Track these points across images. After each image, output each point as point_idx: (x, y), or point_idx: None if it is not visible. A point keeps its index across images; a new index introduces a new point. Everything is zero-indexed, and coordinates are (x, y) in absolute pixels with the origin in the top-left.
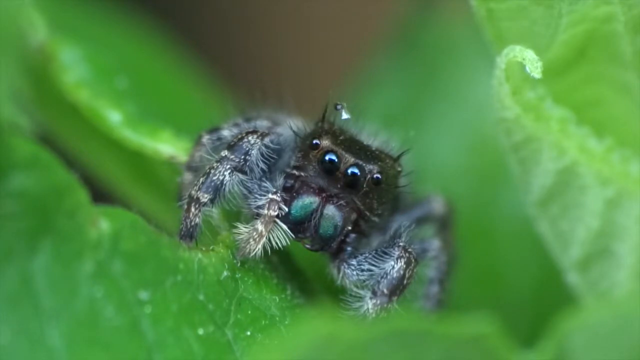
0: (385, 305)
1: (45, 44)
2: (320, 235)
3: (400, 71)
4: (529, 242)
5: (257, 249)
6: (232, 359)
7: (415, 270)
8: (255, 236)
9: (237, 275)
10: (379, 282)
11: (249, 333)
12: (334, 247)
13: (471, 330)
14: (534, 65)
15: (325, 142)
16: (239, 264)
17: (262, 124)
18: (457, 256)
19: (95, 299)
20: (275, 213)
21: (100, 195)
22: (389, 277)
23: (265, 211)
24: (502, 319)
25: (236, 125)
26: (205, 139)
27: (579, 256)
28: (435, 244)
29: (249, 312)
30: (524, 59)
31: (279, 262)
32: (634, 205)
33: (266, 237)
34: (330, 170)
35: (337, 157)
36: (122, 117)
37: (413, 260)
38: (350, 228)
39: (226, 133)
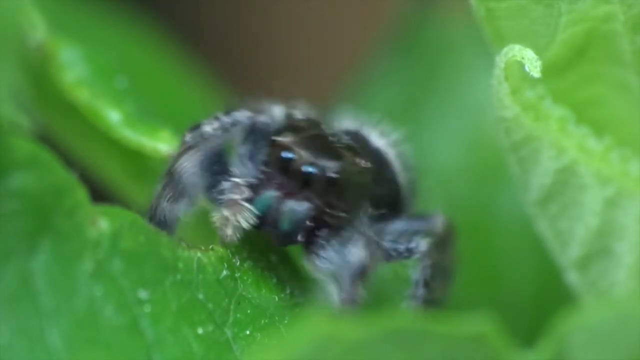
0: (348, 293)
1: (44, 43)
2: (279, 231)
3: (400, 70)
4: (528, 241)
5: (230, 234)
6: (232, 358)
7: (376, 255)
8: (224, 221)
9: (236, 275)
10: (339, 269)
11: (248, 332)
12: (300, 240)
13: (470, 330)
14: (533, 65)
15: (282, 140)
16: (238, 263)
17: (243, 114)
18: (454, 272)
19: (95, 298)
20: (238, 197)
21: (100, 194)
22: (346, 262)
23: (229, 195)
24: (501, 318)
25: (216, 119)
26: (188, 137)
27: (578, 255)
28: (422, 245)
29: (249, 311)
30: (523, 58)
31: (278, 261)
32: (633, 205)
33: (235, 221)
34: (285, 167)
35: (293, 155)
36: (121, 117)
37: (372, 245)
38: (312, 223)
39: (207, 128)
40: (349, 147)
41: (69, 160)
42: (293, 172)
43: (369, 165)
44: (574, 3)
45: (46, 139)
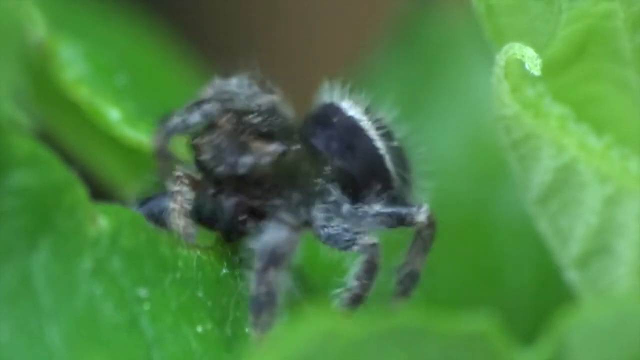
0: (261, 275)
1: (44, 41)
2: (219, 228)
3: (399, 67)
4: (528, 239)
5: (180, 223)
6: (231, 357)
7: (294, 238)
8: (172, 214)
9: (236, 273)
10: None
11: (247, 330)
12: (234, 230)
13: (470, 328)
14: (533, 63)
15: (195, 142)
16: (238, 261)
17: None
18: (420, 277)
19: (95, 297)
20: (179, 188)
21: (100, 192)
22: (262, 245)
23: (172, 187)
24: (501, 316)
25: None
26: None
27: (578, 253)
28: (365, 240)
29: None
30: (523, 56)
31: None
32: (633, 203)
33: (182, 213)
34: (202, 169)
35: (203, 156)
36: (121, 115)
37: (289, 228)
38: (245, 216)
39: (176, 120)
40: (268, 134)
41: (68, 158)
42: (208, 172)
43: (282, 149)
44: (574, 0)
45: (46, 137)
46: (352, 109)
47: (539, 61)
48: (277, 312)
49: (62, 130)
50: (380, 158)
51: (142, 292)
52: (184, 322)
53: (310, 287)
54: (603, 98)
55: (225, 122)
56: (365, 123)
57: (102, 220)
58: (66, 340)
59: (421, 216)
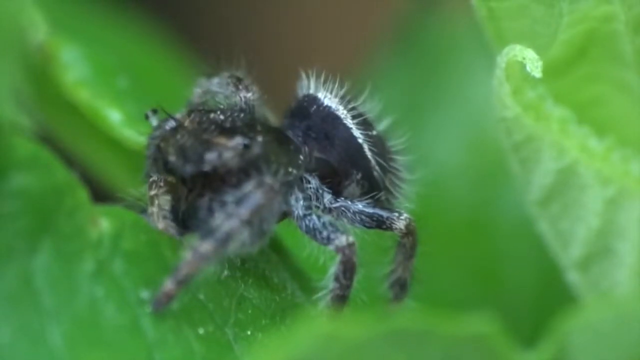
0: (201, 253)
1: (45, 43)
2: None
3: (401, 70)
4: (529, 242)
5: (160, 226)
6: (233, 358)
7: (238, 226)
8: (151, 218)
9: (237, 275)
10: None
11: (249, 332)
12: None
13: (471, 330)
14: (534, 65)
15: (160, 144)
16: (239, 264)
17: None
18: (409, 284)
19: (96, 298)
20: (155, 192)
21: (101, 194)
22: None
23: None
24: (503, 318)
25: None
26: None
27: (579, 255)
28: (341, 240)
29: (250, 311)
30: (524, 59)
31: (279, 261)
32: (634, 205)
33: (161, 215)
34: (171, 169)
35: (168, 158)
36: (122, 117)
37: (235, 217)
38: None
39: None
40: (232, 130)
41: (70, 160)
42: (177, 173)
43: (244, 142)
44: (575, 3)
45: (47, 139)
46: (328, 98)
47: (540, 63)
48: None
49: (63, 132)
50: (358, 146)
51: (144, 293)
52: (186, 323)
53: (312, 289)
54: (604, 100)
55: (188, 122)
56: (342, 112)
57: (103, 222)
58: (68, 342)
59: (400, 223)
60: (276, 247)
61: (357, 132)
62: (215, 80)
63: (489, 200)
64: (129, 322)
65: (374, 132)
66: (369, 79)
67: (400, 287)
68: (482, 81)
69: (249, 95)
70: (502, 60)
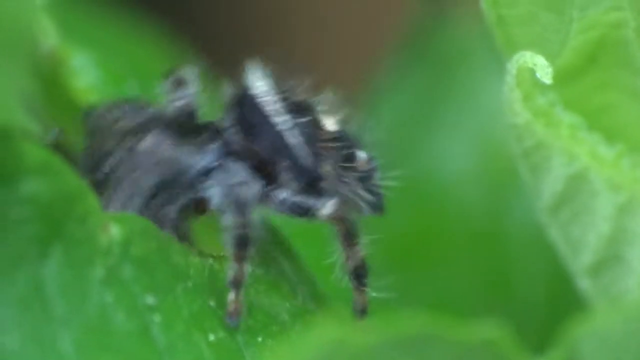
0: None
1: (55, 48)
2: None
3: (411, 77)
4: (540, 248)
5: None
6: None
7: None
8: None
9: (248, 281)
10: None
11: (260, 339)
12: None
13: (481, 336)
14: (544, 71)
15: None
16: (250, 270)
17: None
18: (367, 268)
19: (106, 305)
20: None
21: None
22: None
23: None
24: (513, 324)
25: None
26: None
27: (589, 262)
28: (229, 219)
29: (260, 318)
30: (534, 65)
31: (290, 268)
32: None
33: None
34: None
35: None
36: None
37: None
38: None
39: None
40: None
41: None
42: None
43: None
44: (585, 10)
45: (58, 145)
46: (253, 87)
47: (550, 70)
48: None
49: (73, 138)
50: (277, 133)
51: (154, 300)
52: (196, 330)
53: (320, 295)
54: (614, 107)
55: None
56: (265, 99)
57: (113, 229)
58: (78, 348)
59: (325, 210)
60: (286, 253)
61: (278, 119)
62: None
63: (500, 207)
64: (139, 329)
65: (308, 119)
66: (381, 86)
67: (357, 277)
68: (494, 88)
69: (187, 93)
70: (512, 66)
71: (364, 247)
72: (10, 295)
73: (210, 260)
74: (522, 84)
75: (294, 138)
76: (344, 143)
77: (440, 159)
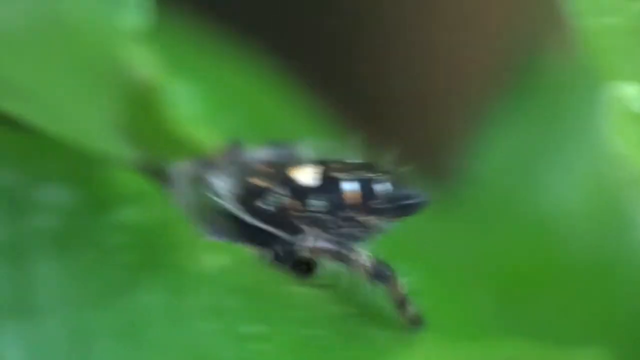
0: None
1: (152, 77)
2: None
3: (518, 113)
4: None
5: None
6: None
7: None
8: None
9: (351, 311)
10: None
11: None
12: None
13: None
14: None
15: None
16: (352, 299)
17: None
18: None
19: (206, 334)
20: None
21: None
22: None
23: None
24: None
25: None
26: None
27: None
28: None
29: (362, 347)
30: (633, 96)
31: None
32: None
33: None
34: None
35: None
36: None
37: None
38: None
39: None
40: None
41: None
42: None
43: None
44: None
45: (154, 173)
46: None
47: None
48: None
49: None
50: None
51: (256, 329)
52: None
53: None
54: None
55: None
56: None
57: (214, 257)
58: None
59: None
60: None
61: None
62: None
63: (611, 247)
64: (239, 358)
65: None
66: (486, 124)
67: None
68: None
69: None
70: (612, 97)
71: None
72: (109, 323)
73: (317, 290)
74: (620, 115)
75: None
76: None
77: (552, 197)
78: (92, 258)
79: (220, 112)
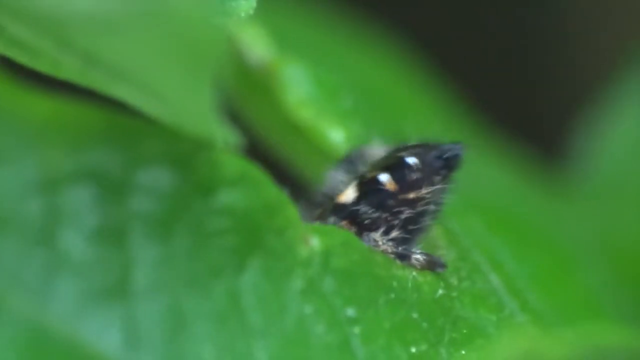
0: None
1: (267, 60)
2: None
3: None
4: None
5: None
6: None
7: None
8: None
9: (453, 294)
10: None
11: (463, 352)
12: None
13: None
14: None
15: None
16: (455, 283)
17: None
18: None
19: (305, 317)
20: None
21: None
22: None
23: None
24: None
25: None
26: None
27: None
28: None
29: (465, 331)
30: None
31: (499, 283)
32: None
33: None
34: None
35: None
36: (345, 137)
37: None
38: None
39: None
40: None
41: (284, 176)
42: None
43: None
44: None
45: (261, 156)
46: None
47: None
48: None
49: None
50: None
51: (355, 312)
52: (397, 342)
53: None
54: None
55: None
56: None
57: (314, 240)
58: None
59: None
60: (495, 266)
61: None
62: None
63: None
64: (338, 341)
65: None
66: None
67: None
68: None
69: None
70: None
71: None
72: (206, 306)
73: (414, 273)
74: None
75: None
76: None
77: None
78: (192, 241)
79: (330, 93)
